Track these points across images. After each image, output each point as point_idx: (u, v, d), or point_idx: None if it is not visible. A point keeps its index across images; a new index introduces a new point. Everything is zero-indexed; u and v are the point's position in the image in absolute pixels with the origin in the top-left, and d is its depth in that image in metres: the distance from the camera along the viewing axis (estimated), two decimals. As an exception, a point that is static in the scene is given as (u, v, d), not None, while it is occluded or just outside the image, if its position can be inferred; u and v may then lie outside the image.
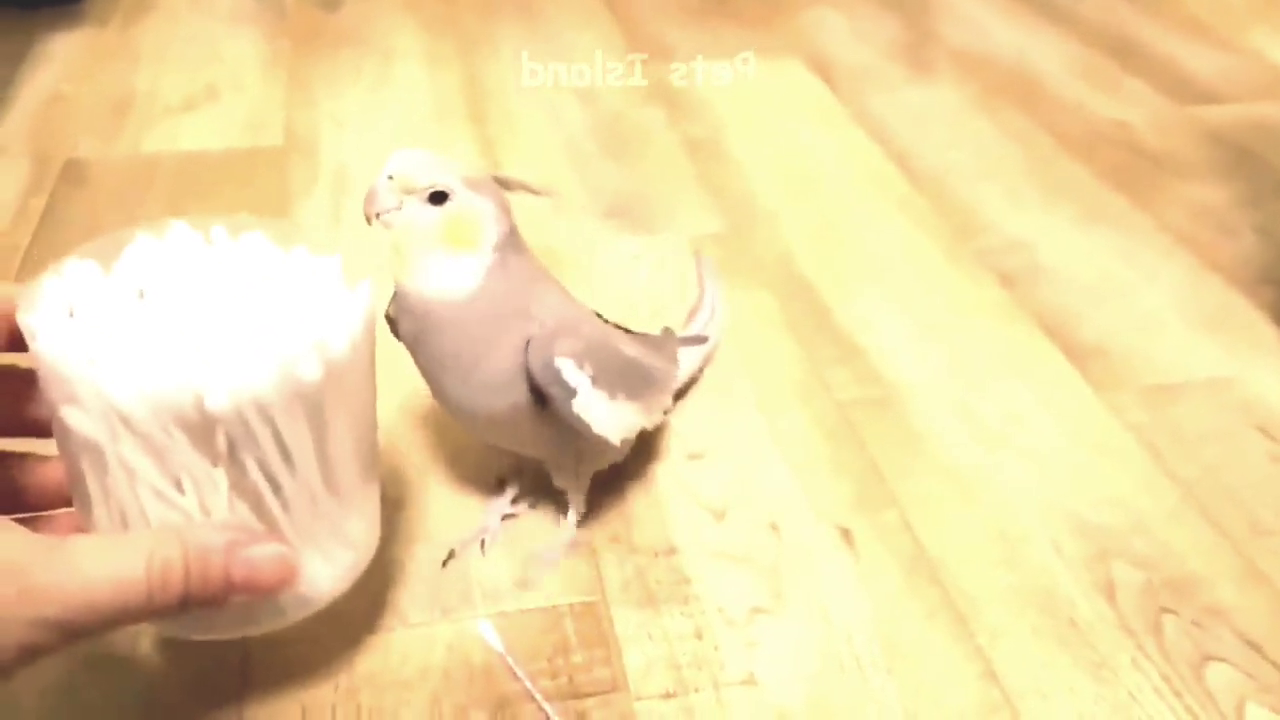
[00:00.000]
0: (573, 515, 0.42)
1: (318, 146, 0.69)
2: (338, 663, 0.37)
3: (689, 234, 0.61)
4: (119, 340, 0.29)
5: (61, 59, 0.80)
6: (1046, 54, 0.85)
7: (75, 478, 0.31)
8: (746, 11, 0.91)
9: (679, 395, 0.49)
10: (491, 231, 0.36)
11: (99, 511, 0.30)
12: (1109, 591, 0.40)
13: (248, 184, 0.65)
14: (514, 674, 0.37)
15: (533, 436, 0.39)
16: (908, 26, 0.90)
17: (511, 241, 0.37)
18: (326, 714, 0.35)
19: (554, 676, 0.37)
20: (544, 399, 0.37)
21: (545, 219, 0.62)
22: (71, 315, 0.30)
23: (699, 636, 0.38)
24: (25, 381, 0.33)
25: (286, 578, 0.30)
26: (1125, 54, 0.85)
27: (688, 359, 0.48)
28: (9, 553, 0.27)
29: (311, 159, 0.67)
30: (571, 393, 0.37)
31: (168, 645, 0.37)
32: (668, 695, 0.36)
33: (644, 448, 0.46)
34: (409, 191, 0.35)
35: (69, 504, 0.32)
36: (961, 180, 0.67)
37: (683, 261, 0.58)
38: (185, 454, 0.29)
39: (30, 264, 0.57)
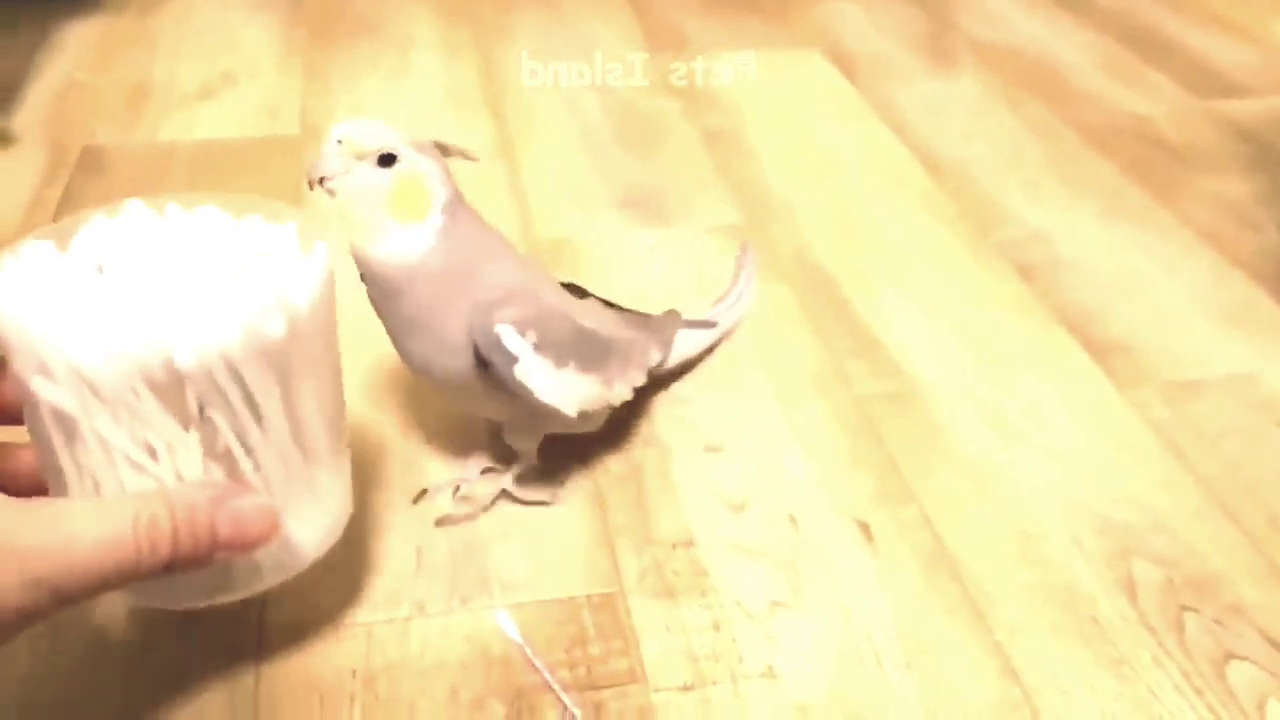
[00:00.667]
0: (515, 470, 0.42)
1: (335, 135, 0.69)
2: (355, 652, 0.37)
3: (706, 226, 0.61)
4: (83, 310, 0.29)
5: (77, 47, 0.80)
6: (1068, 46, 0.85)
7: (47, 453, 0.31)
8: (765, 3, 0.91)
9: (675, 376, 0.49)
10: (439, 192, 0.37)
11: (72, 485, 0.30)
12: (1130, 589, 0.40)
13: (264, 172, 0.65)
14: (532, 665, 0.36)
15: (488, 401, 0.39)
16: (927, 18, 0.89)
17: (458, 204, 0.37)
18: (344, 703, 0.35)
19: (572, 667, 0.37)
20: (487, 364, 0.37)
21: (561, 209, 0.62)
22: (33, 290, 0.30)
23: (717, 629, 0.38)
24: None
25: (270, 530, 0.31)
26: (1147, 47, 0.85)
27: (688, 341, 0.48)
28: None
29: (328, 148, 0.67)
30: (512, 359, 0.37)
31: (183, 631, 0.37)
32: (686, 688, 0.36)
33: (660, 439, 0.46)
34: (359, 156, 0.36)
35: (43, 492, 0.32)
36: (982, 173, 0.67)
37: (699, 253, 0.58)
38: (156, 417, 0.29)
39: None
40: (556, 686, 0.36)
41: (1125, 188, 0.66)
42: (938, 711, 0.36)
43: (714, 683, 0.36)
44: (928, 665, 0.37)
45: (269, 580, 0.33)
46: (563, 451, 0.44)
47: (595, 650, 0.37)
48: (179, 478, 0.30)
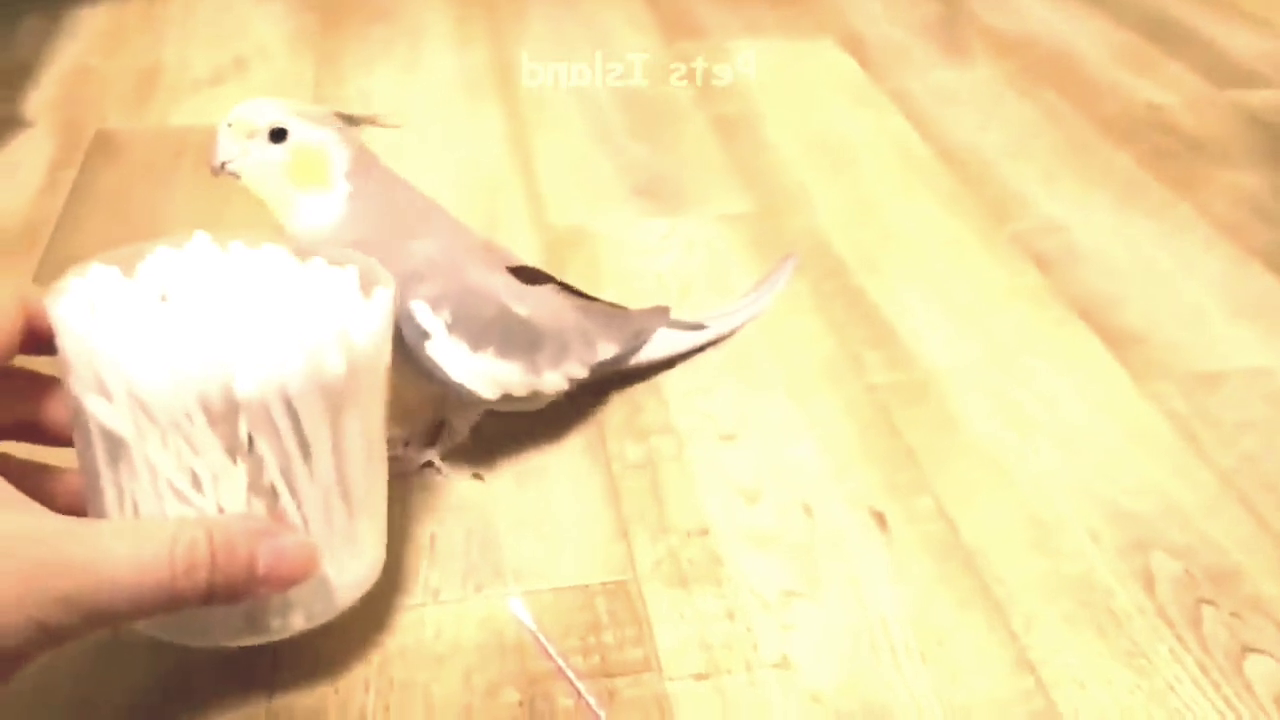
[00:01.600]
0: (442, 444, 0.43)
1: (347, 121, 0.68)
2: (370, 637, 0.37)
3: (719, 214, 0.60)
4: (144, 333, 0.30)
5: (89, 31, 0.80)
6: (1083, 35, 0.84)
7: (91, 475, 0.31)
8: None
9: (656, 370, 0.48)
10: (339, 159, 0.37)
11: (112, 510, 0.30)
12: (1147, 581, 0.40)
13: (277, 158, 0.64)
14: (546, 652, 0.36)
15: (415, 378, 0.39)
16: (941, 5, 0.89)
17: (366, 170, 0.38)
18: (359, 688, 0.35)
19: (586, 655, 0.36)
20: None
21: (575, 198, 0.62)
22: (97, 311, 0.30)
23: (731, 618, 0.38)
24: (42, 385, 0.33)
25: (309, 568, 0.30)
26: (1163, 36, 0.84)
27: (670, 341, 0.48)
28: (32, 529, 0.26)
29: (341, 134, 0.67)
30: (423, 335, 0.37)
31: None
32: (700, 676, 0.36)
33: (675, 427, 0.46)
34: (251, 135, 0.36)
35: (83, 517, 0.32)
36: (997, 163, 0.67)
37: (712, 242, 0.58)
38: (206, 445, 0.29)
39: (61, 235, 0.57)
40: (570, 674, 0.36)
41: (1142, 178, 0.65)
42: (953, 702, 0.36)
43: (728, 672, 0.36)
44: (942, 655, 0.37)
45: (297, 624, 0.33)
46: (536, 432, 0.44)
47: (609, 638, 0.37)
48: (220, 510, 0.30)
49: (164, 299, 0.32)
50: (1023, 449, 0.46)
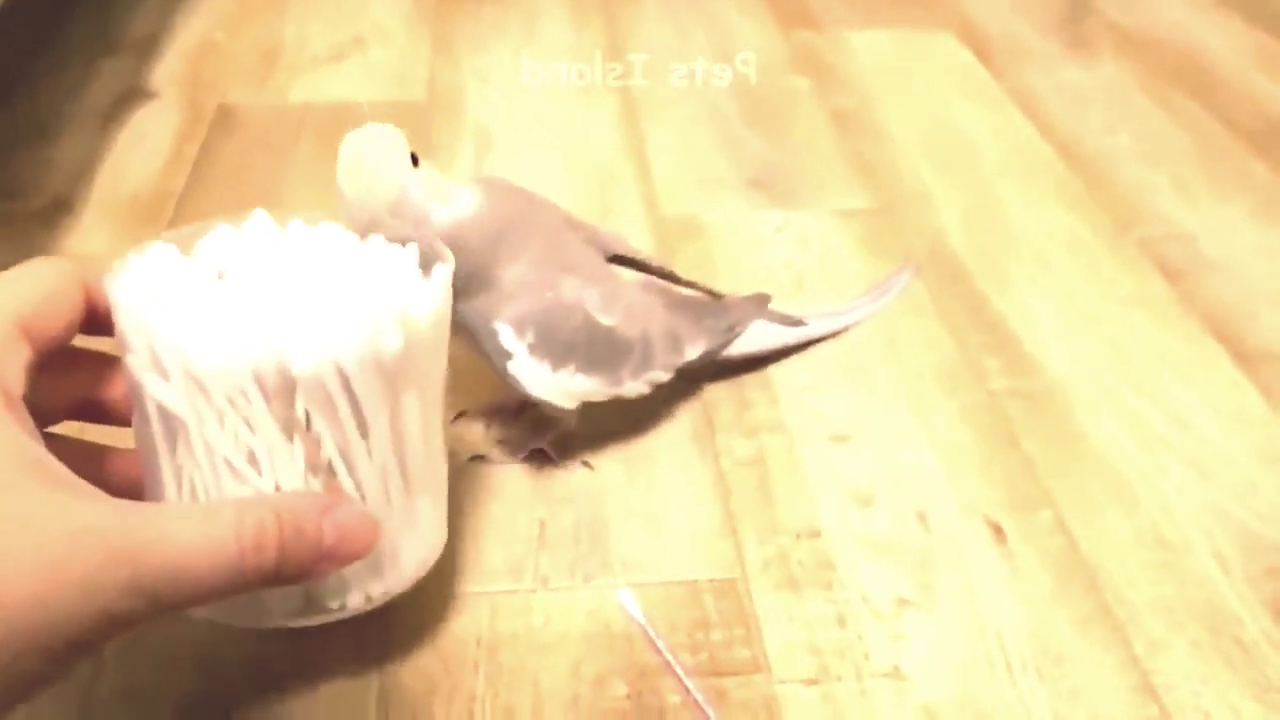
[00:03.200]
0: (553, 432, 0.43)
1: (462, 103, 0.69)
2: (479, 621, 0.37)
3: (834, 209, 0.59)
4: (201, 312, 0.29)
5: (213, 6, 0.81)
6: (1216, 36, 0.80)
7: (149, 455, 0.31)
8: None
9: (761, 362, 0.48)
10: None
11: (170, 491, 0.30)
12: (1278, 611, 0.38)
13: (392, 137, 0.65)
14: (655, 646, 0.36)
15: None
16: (1065, 1, 0.86)
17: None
18: (468, 671, 0.35)
19: (694, 652, 0.36)
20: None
21: (688, 188, 0.61)
22: (155, 290, 0.30)
23: (842, 624, 0.37)
24: (102, 364, 0.33)
25: (373, 540, 0.30)
26: (1303, 39, 0.80)
27: (767, 334, 0.47)
28: (96, 517, 0.25)
29: (455, 116, 0.68)
30: (507, 356, 0.38)
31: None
32: (810, 681, 0.35)
33: (786, 426, 0.45)
34: None
35: (139, 499, 0.31)
36: (1123, 167, 0.64)
37: (827, 236, 0.57)
38: (262, 423, 0.29)
39: (183, 207, 0.58)
40: (680, 670, 0.35)
41: (1278, 188, 0.63)
42: (1072, 725, 0.34)
43: (839, 679, 0.36)
44: (1060, 675, 0.36)
45: (355, 604, 0.32)
46: (650, 426, 0.43)
47: (717, 636, 0.37)
48: (278, 489, 0.30)
49: (221, 277, 0.31)
50: (1148, 466, 0.44)
